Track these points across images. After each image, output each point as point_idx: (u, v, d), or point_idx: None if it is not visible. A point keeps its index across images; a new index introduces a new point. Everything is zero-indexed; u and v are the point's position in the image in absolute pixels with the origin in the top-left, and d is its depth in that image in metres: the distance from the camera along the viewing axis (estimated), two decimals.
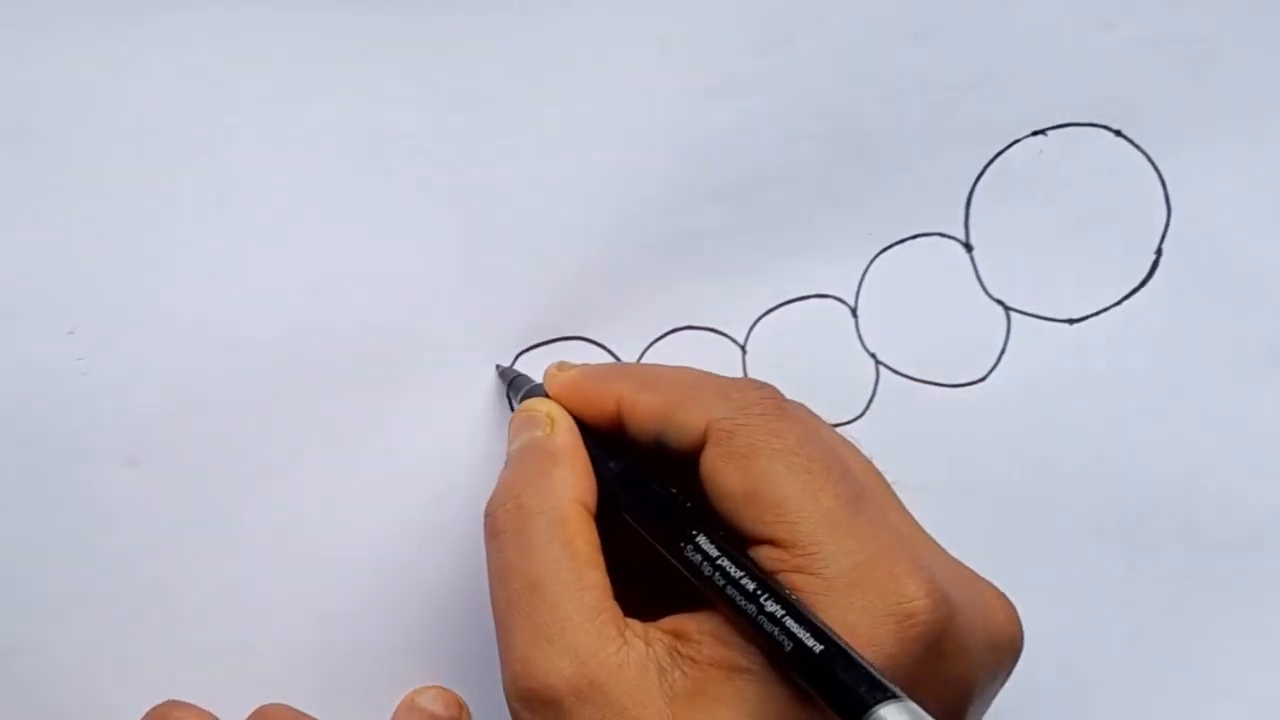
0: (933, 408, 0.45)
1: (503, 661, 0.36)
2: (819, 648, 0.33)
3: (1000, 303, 0.45)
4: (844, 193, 0.44)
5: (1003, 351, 0.45)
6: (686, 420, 0.37)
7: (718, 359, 0.44)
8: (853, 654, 0.33)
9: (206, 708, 0.42)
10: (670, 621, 0.36)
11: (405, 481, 0.44)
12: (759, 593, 0.34)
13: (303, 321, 0.43)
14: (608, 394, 0.39)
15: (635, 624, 0.36)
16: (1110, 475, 0.45)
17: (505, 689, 0.36)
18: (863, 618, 0.34)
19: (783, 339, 0.44)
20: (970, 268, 0.45)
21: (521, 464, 0.39)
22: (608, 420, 0.39)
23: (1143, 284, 0.45)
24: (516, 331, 0.44)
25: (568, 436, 0.39)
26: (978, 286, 0.45)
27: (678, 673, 0.35)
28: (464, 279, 0.44)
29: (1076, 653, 0.45)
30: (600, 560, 0.37)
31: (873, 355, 0.45)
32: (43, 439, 0.42)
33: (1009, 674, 0.38)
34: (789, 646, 0.33)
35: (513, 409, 0.42)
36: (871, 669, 0.32)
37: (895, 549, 0.35)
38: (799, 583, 0.34)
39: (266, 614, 0.43)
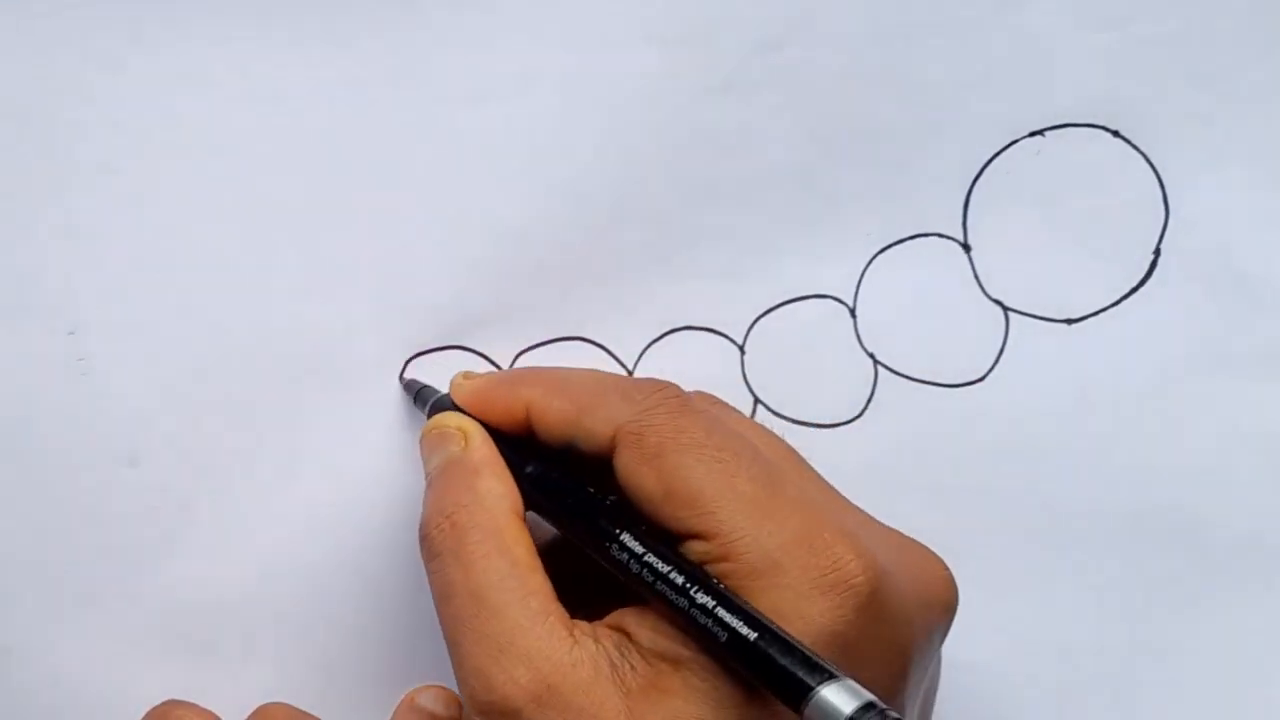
0: (931, 408, 0.45)
1: (459, 679, 0.36)
2: (752, 635, 0.33)
3: (999, 303, 0.45)
4: (843, 193, 0.44)
5: (1001, 351, 0.45)
6: (594, 426, 0.37)
7: (717, 359, 0.44)
8: (786, 637, 0.33)
9: (206, 708, 0.42)
10: (614, 617, 0.36)
11: (406, 481, 0.44)
12: (688, 585, 0.34)
13: (305, 321, 0.43)
14: (516, 400, 0.39)
15: (581, 623, 0.36)
16: (1109, 475, 0.45)
17: (465, 705, 0.36)
18: (789, 596, 0.34)
19: (782, 339, 0.44)
20: (969, 268, 0.45)
21: (445, 482, 0.39)
22: (519, 426, 0.39)
23: (1141, 284, 0.45)
24: (516, 332, 0.44)
25: (484, 447, 0.39)
26: (976, 287, 0.45)
27: (628, 667, 0.35)
28: (463, 279, 0.44)
29: (1076, 652, 0.45)
30: (539, 565, 0.37)
31: (871, 355, 0.45)
32: (43, 439, 0.42)
33: (945, 633, 0.38)
34: (724, 637, 0.33)
35: (426, 418, 0.42)
36: (807, 650, 0.32)
37: (816, 522, 0.35)
38: (726, 570, 0.34)
39: (266, 614, 0.43)
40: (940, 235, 0.45)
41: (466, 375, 0.42)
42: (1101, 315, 0.45)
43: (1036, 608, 0.45)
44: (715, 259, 0.44)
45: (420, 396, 0.43)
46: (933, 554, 0.39)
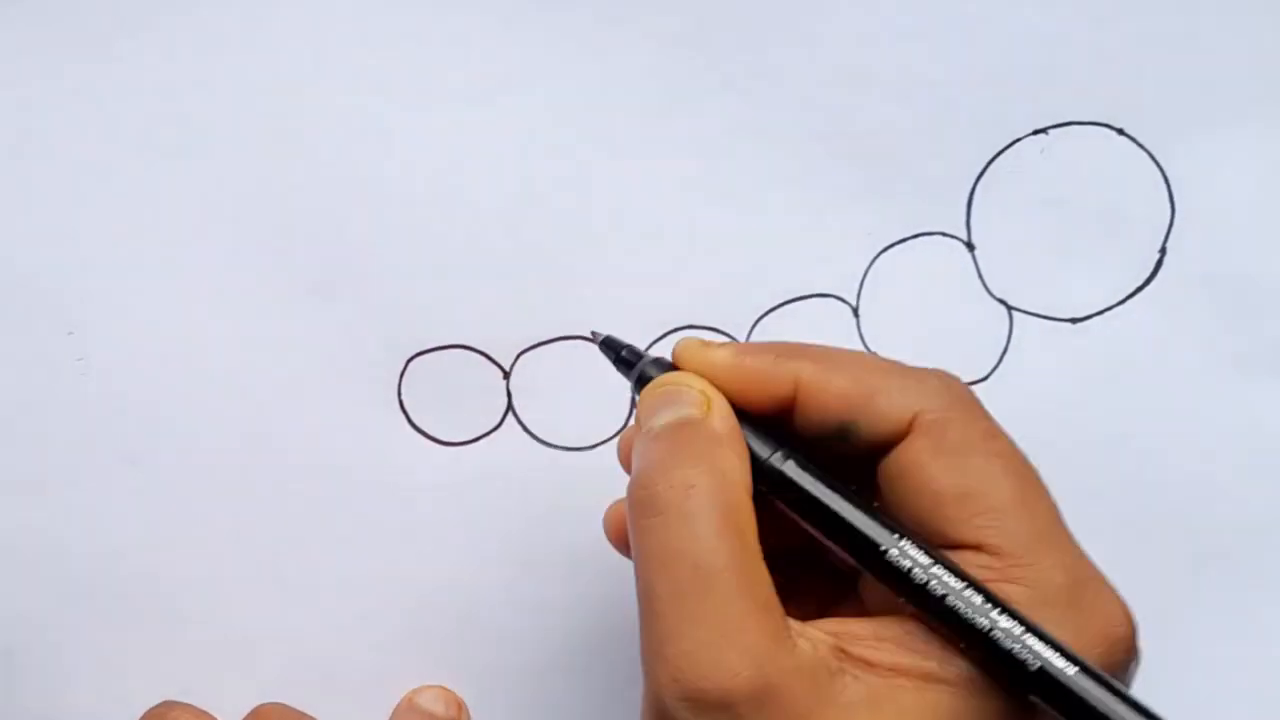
0: None
1: (658, 655, 0.33)
2: (1070, 669, 0.31)
3: (1002, 302, 0.45)
4: (845, 192, 0.44)
5: (1005, 351, 0.45)
6: (889, 408, 0.35)
7: None
8: (1105, 677, 0.32)
9: (205, 708, 0.42)
10: (830, 623, 0.34)
11: (407, 481, 0.44)
12: (988, 605, 0.32)
13: (306, 320, 0.43)
14: (782, 375, 0.35)
15: (794, 623, 0.33)
16: (1112, 474, 0.45)
17: (658, 685, 0.33)
18: (1078, 639, 0.32)
19: (784, 339, 0.44)
20: (972, 267, 0.45)
21: (679, 442, 0.35)
22: (772, 403, 0.36)
23: (1146, 283, 0.45)
24: (517, 332, 0.44)
25: (729, 419, 0.35)
26: (980, 286, 0.45)
27: (848, 678, 0.32)
28: (463, 279, 0.44)
29: None
30: (761, 555, 0.34)
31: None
32: (44, 439, 0.43)
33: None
34: (1034, 665, 0.32)
35: (636, 383, 0.38)
36: (1133, 698, 0.31)
37: (1094, 569, 0.34)
38: (1011, 594, 0.33)
39: (266, 613, 0.43)
40: (944, 234, 0.45)
41: (706, 343, 0.37)
42: (1106, 314, 0.45)
43: None
44: (717, 259, 0.44)
45: (622, 358, 0.39)
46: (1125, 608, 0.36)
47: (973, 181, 0.45)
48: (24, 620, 0.43)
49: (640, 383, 0.37)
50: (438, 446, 0.44)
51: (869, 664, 0.33)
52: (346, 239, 0.43)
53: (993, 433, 0.35)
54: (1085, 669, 0.32)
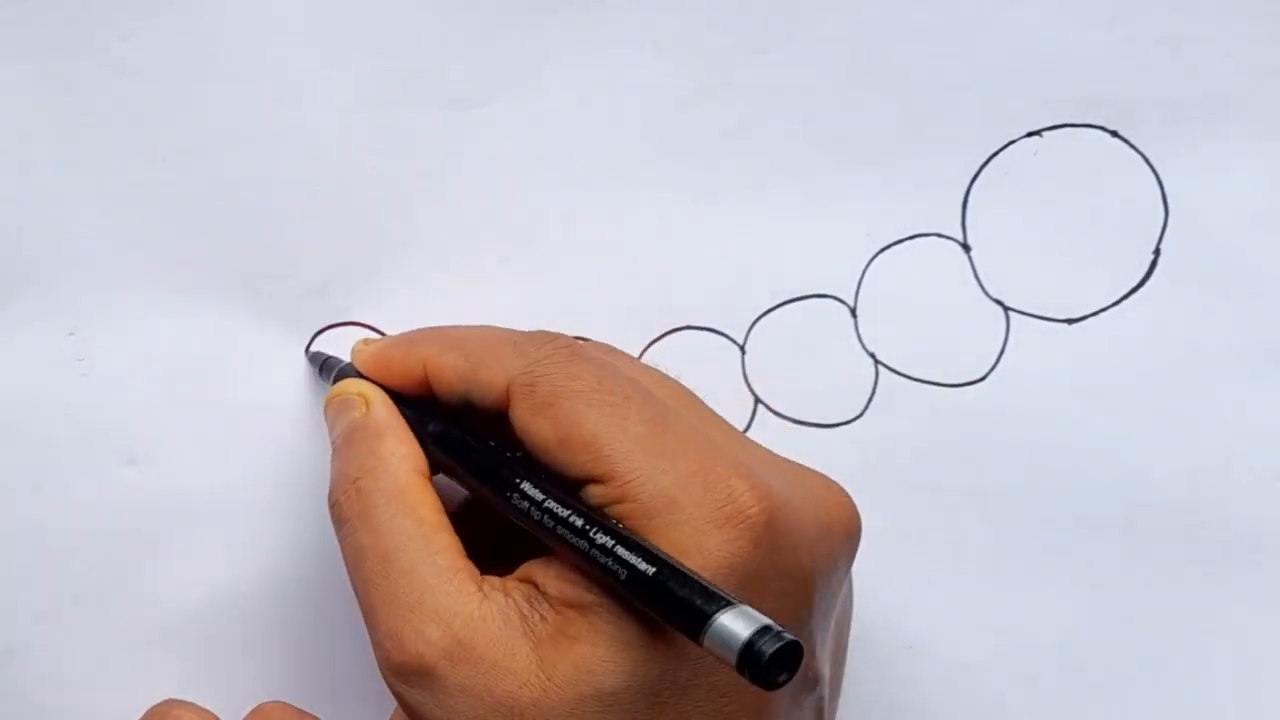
0: (932, 407, 0.45)
1: (373, 643, 0.36)
2: (650, 570, 0.33)
3: (999, 303, 0.45)
4: (842, 193, 0.44)
5: (1002, 351, 0.45)
6: (489, 380, 0.37)
7: (717, 358, 0.44)
8: (684, 570, 0.33)
9: (207, 706, 0.42)
10: (522, 570, 0.36)
11: None
12: (587, 527, 0.34)
13: (307, 320, 0.43)
14: (413, 359, 0.39)
15: (491, 578, 0.36)
16: (1109, 475, 0.45)
17: (380, 670, 0.36)
18: (686, 531, 0.34)
19: (782, 339, 0.44)
20: (969, 268, 0.45)
21: (348, 448, 0.39)
22: (417, 386, 0.39)
23: (1141, 284, 0.45)
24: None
25: (384, 411, 0.39)
26: (976, 286, 0.45)
27: (537, 617, 0.35)
28: (463, 279, 0.44)
29: (1076, 651, 0.45)
30: (447, 524, 0.37)
31: (872, 355, 0.45)
32: (43, 439, 0.42)
33: (850, 560, 0.39)
34: (623, 575, 0.33)
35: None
36: (704, 581, 0.32)
37: (709, 457, 0.35)
38: (625, 512, 0.35)
39: (267, 613, 0.43)
40: (940, 235, 0.45)
41: (367, 341, 0.42)
42: (1102, 315, 0.45)
43: (1036, 608, 0.45)
44: (716, 259, 0.44)
45: (325, 367, 0.42)
46: (833, 483, 0.39)
47: (968, 183, 0.45)
48: (24, 620, 0.43)
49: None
50: None
51: (548, 602, 0.35)
52: (347, 240, 0.43)
53: (576, 374, 0.37)
54: (667, 568, 0.33)
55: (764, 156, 0.44)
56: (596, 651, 0.34)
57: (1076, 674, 0.45)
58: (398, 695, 0.36)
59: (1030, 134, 0.45)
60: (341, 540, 0.38)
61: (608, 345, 0.42)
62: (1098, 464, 0.45)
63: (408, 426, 0.39)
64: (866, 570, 0.45)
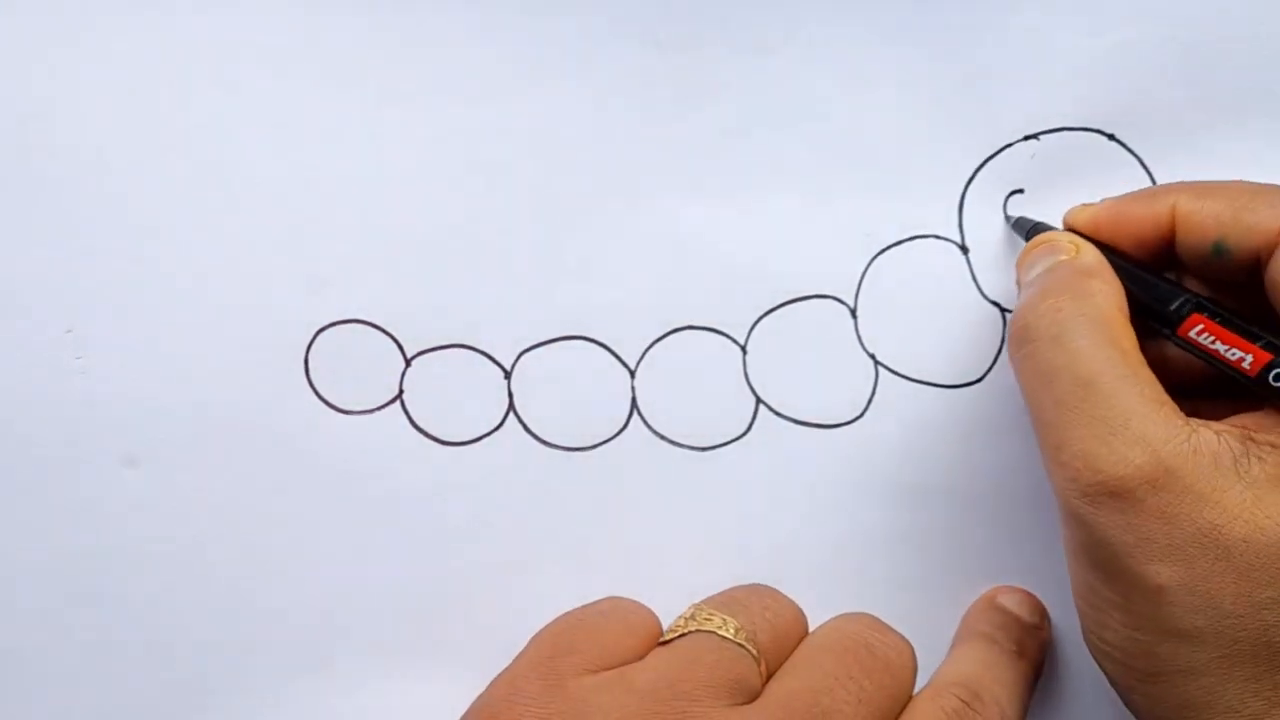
0: (931, 408, 0.45)
1: (1056, 463, 0.36)
2: None
3: (996, 304, 0.45)
4: (842, 193, 0.44)
5: (999, 352, 0.45)
6: (1255, 222, 0.37)
7: (719, 358, 0.44)
8: None
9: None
10: (1236, 419, 0.36)
11: (408, 480, 0.44)
12: None
13: (305, 320, 0.43)
14: (1160, 205, 0.39)
15: (1196, 420, 0.36)
16: None
17: (1061, 489, 0.36)
18: None
19: (783, 339, 0.44)
20: (967, 269, 0.45)
21: (1050, 279, 0.39)
22: (1154, 235, 0.39)
23: None
24: (519, 331, 0.44)
25: (1094, 256, 0.39)
26: (974, 288, 0.45)
27: (1253, 460, 0.35)
28: (466, 279, 0.44)
29: (1076, 651, 0.45)
30: (1145, 362, 0.37)
31: (871, 355, 0.45)
32: (43, 439, 0.42)
33: None
34: None
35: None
36: None
37: None
38: None
39: (266, 613, 0.43)
40: (938, 237, 0.45)
41: (1085, 205, 0.42)
42: None
43: None
44: (716, 259, 0.44)
45: (1033, 231, 0.42)
46: None
47: (964, 186, 0.45)
48: (24, 620, 0.42)
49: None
50: (438, 446, 0.44)
51: (1273, 445, 0.35)
52: (347, 238, 0.43)
53: None
54: None
55: (764, 156, 0.44)
56: None
57: (1076, 672, 0.45)
58: (1077, 515, 0.36)
59: (1027, 137, 0.45)
60: (1023, 359, 0.38)
61: None
62: None
63: (1116, 276, 0.39)
64: (866, 570, 0.45)
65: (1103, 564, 0.36)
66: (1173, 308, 0.39)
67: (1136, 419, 0.35)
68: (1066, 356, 0.37)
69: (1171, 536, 0.34)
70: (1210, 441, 0.35)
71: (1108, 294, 0.38)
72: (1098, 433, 0.35)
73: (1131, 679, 0.37)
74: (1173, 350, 0.40)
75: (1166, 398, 0.36)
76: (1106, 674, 0.39)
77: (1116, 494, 0.35)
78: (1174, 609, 0.35)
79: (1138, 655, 0.36)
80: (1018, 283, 0.41)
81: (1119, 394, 0.36)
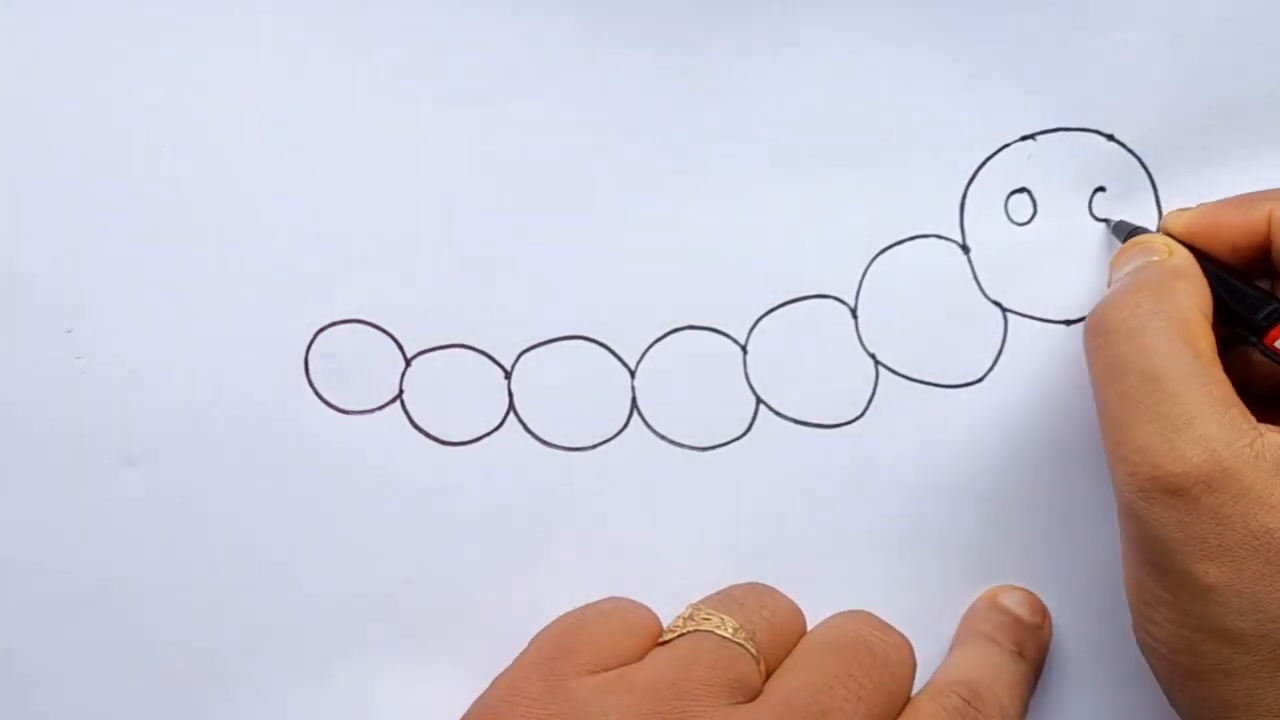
0: (931, 408, 0.45)
1: (1116, 458, 0.36)
2: None
3: (997, 304, 0.45)
4: (842, 193, 0.44)
5: (1000, 352, 0.45)
6: None
7: (719, 358, 0.44)
8: None
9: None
10: None
11: (408, 480, 0.44)
12: None
13: (305, 320, 0.43)
14: (1254, 215, 0.40)
15: (1266, 425, 0.36)
16: (1107, 475, 0.45)
17: (1119, 483, 0.36)
18: None
19: (783, 339, 0.44)
20: (968, 269, 0.45)
21: (1137, 277, 0.39)
22: (1249, 242, 0.40)
23: None
24: (519, 331, 0.44)
25: (1186, 260, 0.40)
26: (975, 288, 0.45)
27: None
28: (466, 278, 0.44)
29: (1076, 650, 0.45)
30: (1220, 365, 0.37)
31: (872, 355, 0.45)
32: (43, 439, 0.42)
33: None
34: None
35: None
36: None
37: None
38: None
39: (267, 613, 0.43)
40: (939, 236, 0.45)
41: (1183, 210, 0.42)
42: None
43: None
44: (716, 259, 0.44)
45: (1132, 234, 0.43)
46: None
47: (965, 185, 0.45)
48: (24, 620, 0.42)
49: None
50: (438, 446, 0.44)
51: None
52: (347, 239, 0.43)
53: None
54: None
55: (764, 156, 0.44)
56: None
57: (1077, 671, 0.45)
58: (1132, 509, 0.36)
59: (1025, 137, 0.45)
60: (1096, 350, 0.38)
61: None
62: (1096, 464, 0.45)
63: (1205, 281, 0.39)
64: (866, 570, 0.45)
65: (1154, 560, 0.37)
66: (1260, 315, 0.39)
67: (1201, 419, 0.35)
68: (1138, 352, 0.37)
69: (1223, 537, 0.35)
70: (1275, 447, 0.35)
71: (1190, 294, 0.38)
72: (1160, 429, 0.36)
73: (1176, 676, 0.37)
74: (1258, 358, 0.40)
75: (1236, 400, 0.36)
76: (1153, 670, 0.39)
77: (1172, 491, 0.35)
78: (1221, 609, 0.35)
79: (1183, 652, 0.36)
80: (1109, 282, 0.42)
81: (1185, 393, 0.36)
